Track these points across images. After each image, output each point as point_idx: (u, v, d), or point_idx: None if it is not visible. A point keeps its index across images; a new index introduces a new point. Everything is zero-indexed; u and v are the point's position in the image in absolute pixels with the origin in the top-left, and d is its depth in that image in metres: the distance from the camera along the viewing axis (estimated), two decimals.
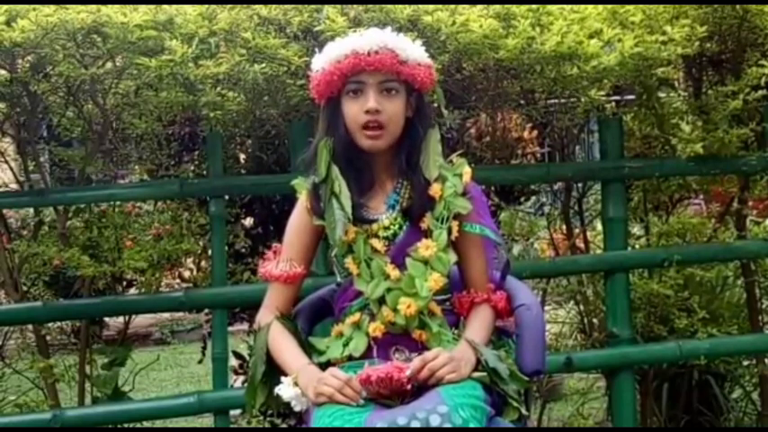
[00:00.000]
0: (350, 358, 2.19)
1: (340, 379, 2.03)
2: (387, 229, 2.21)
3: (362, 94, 2.16)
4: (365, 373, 2.04)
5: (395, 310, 2.14)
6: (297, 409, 2.13)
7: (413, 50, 2.20)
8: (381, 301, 2.17)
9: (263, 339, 2.23)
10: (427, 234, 2.19)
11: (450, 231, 2.18)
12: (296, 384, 2.11)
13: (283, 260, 2.27)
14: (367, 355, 2.17)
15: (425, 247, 2.16)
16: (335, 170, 2.19)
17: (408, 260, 2.17)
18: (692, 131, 3.29)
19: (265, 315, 2.28)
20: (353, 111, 2.17)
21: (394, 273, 2.16)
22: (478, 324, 2.21)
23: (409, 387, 2.04)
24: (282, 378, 2.14)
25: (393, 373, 2.02)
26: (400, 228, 2.21)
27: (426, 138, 2.22)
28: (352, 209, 2.16)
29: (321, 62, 2.20)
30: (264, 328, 2.24)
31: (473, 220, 2.22)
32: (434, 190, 2.19)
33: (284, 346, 2.21)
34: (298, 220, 2.28)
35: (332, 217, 2.17)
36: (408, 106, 2.21)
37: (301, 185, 2.28)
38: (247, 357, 3.89)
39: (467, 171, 2.23)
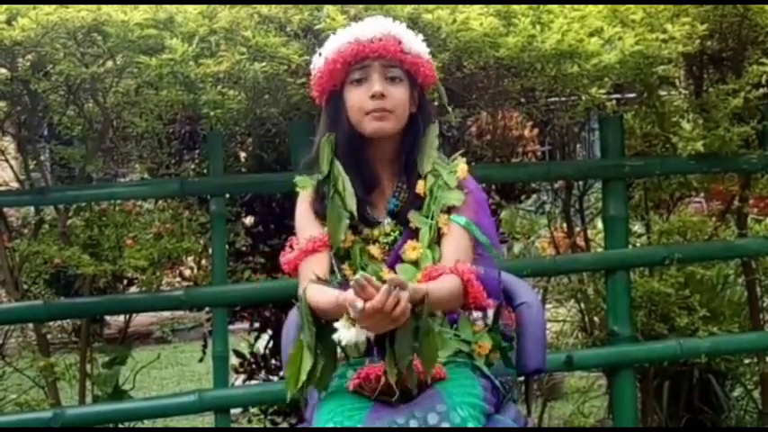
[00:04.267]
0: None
1: (351, 303, 1.83)
2: (387, 235, 2.17)
3: (366, 82, 2.11)
4: (364, 371, 2.04)
5: None
6: (362, 340, 1.93)
7: (416, 42, 2.17)
8: None
9: (305, 305, 2.03)
10: (417, 233, 2.15)
11: (437, 226, 2.12)
12: (353, 324, 1.89)
13: (303, 239, 2.15)
14: (367, 353, 2.15)
15: (412, 249, 2.12)
16: (338, 166, 2.14)
17: (398, 265, 2.12)
18: (692, 130, 3.29)
19: (301, 287, 2.09)
20: (358, 98, 2.12)
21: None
22: (436, 282, 2.01)
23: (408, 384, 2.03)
24: (335, 324, 1.92)
25: None
26: (400, 234, 2.18)
27: (426, 134, 2.19)
28: (357, 205, 2.12)
29: (322, 54, 2.15)
30: (303, 297, 2.05)
31: (463, 213, 2.15)
32: (419, 187, 2.15)
33: (324, 295, 2.01)
34: (304, 210, 2.20)
35: (333, 215, 2.13)
36: (411, 101, 2.17)
37: (305, 182, 2.21)
38: (247, 356, 3.90)
39: (462, 168, 2.18)
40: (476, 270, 2.08)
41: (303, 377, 2.03)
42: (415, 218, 2.15)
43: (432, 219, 2.14)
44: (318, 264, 2.13)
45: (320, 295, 2.03)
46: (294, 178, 2.27)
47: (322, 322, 2.02)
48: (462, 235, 2.16)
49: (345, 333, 1.90)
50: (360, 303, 1.81)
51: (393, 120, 2.12)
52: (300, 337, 2.08)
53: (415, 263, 2.12)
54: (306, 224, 2.20)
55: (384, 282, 1.84)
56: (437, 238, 2.14)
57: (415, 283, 1.99)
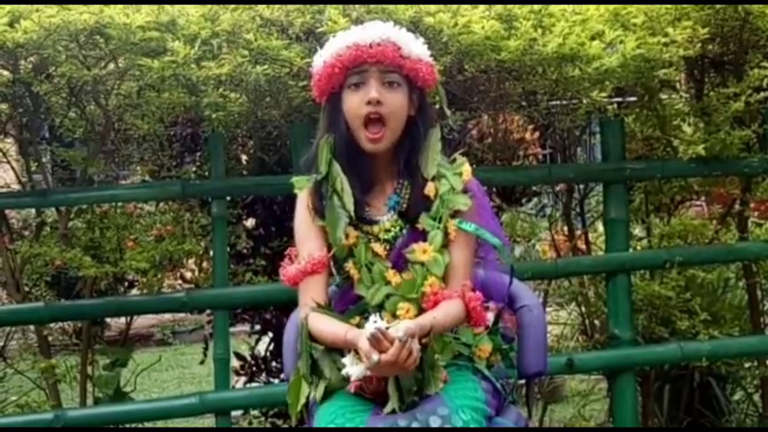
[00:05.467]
0: None
1: (367, 355, 1.93)
2: (388, 231, 2.18)
3: (364, 87, 2.13)
4: None
5: (394, 316, 2.11)
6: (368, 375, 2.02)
7: (415, 46, 2.18)
8: (380, 306, 2.14)
9: (305, 334, 2.13)
10: (425, 235, 2.15)
11: (446, 231, 2.15)
12: (359, 359, 1.99)
13: (302, 257, 2.19)
14: None
15: (422, 251, 2.13)
16: (337, 167, 2.16)
17: (409, 265, 2.14)
18: (693, 133, 3.29)
19: (302, 312, 2.18)
20: (355, 103, 2.13)
21: (395, 278, 2.14)
22: (441, 312, 2.08)
23: None
24: (343, 360, 2.04)
25: None
26: (401, 230, 2.18)
27: (427, 137, 2.20)
28: (355, 206, 2.14)
29: (322, 57, 2.17)
30: (304, 324, 2.14)
31: (470, 219, 2.17)
32: (429, 189, 2.16)
33: (326, 331, 2.10)
34: (303, 219, 2.23)
35: (332, 215, 2.14)
36: (411, 104, 2.18)
37: (302, 182, 2.23)
38: (248, 358, 3.90)
39: (466, 169, 2.19)
40: (480, 297, 2.14)
41: (302, 401, 2.14)
42: (424, 221, 2.16)
43: (440, 222, 2.15)
44: (317, 288, 2.17)
45: (324, 325, 2.11)
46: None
47: (320, 349, 2.12)
48: (468, 243, 2.19)
49: (353, 369, 2.00)
50: (375, 357, 1.90)
51: (388, 135, 2.14)
52: (298, 365, 2.16)
53: (422, 264, 2.13)
54: (305, 236, 2.22)
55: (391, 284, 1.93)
56: (445, 242, 2.15)
57: (426, 285, 2.09)
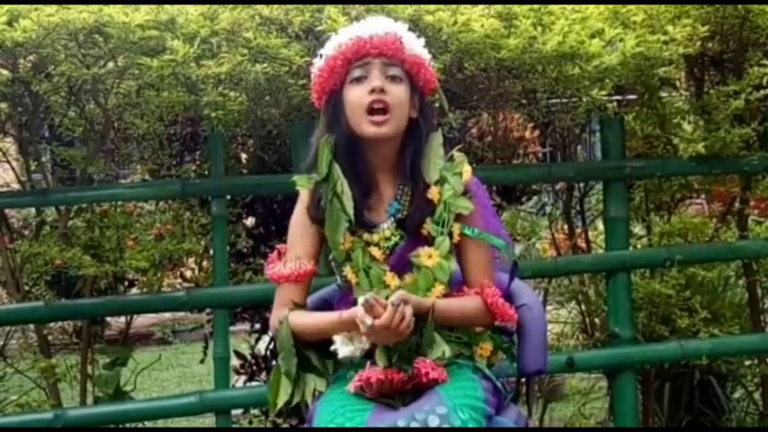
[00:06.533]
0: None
1: (361, 320, 1.96)
2: (387, 240, 2.15)
3: (366, 80, 2.11)
4: (365, 374, 2.04)
5: None
6: (357, 355, 2.07)
7: (417, 45, 2.17)
8: None
9: (286, 332, 2.13)
10: (429, 240, 2.14)
11: (451, 235, 2.13)
12: (350, 340, 2.05)
13: (291, 259, 2.19)
14: (368, 355, 2.15)
15: (428, 256, 2.11)
16: (337, 169, 2.13)
17: (414, 269, 2.13)
18: (693, 131, 3.29)
19: (279, 313, 2.18)
20: (357, 95, 2.11)
21: (393, 281, 2.12)
22: (455, 301, 2.12)
23: (409, 387, 2.04)
24: (334, 338, 2.06)
25: (393, 375, 2.02)
26: (401, 238, 2.16)
27: (428, 141, 2.18)
28: (354, 210, 2.12)
29: (323, 53, 2.16)
30: (284, 322, 2.14)
31: (472, 223, 2.16)
32: (432, 193, 2.14)
33: (315, 320, 2.13)
34: (300, 219, 2.21)
35: (332, 218, 2.12)
36: (412, 106, 2.16)
37: (303, 181, 2.20)
38: (248, 357, 3.90)
39: (466, 169, 2.17)
40: (498, 292, 2.14)
41: (284, 398, 2.14)
42: (429, 226, 2.14)
43: (445, 227, 2.13)
44: (297, 292, 2.20)
45: (309, 318, 2.15)
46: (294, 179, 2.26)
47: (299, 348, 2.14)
48: (478, 248, 2.18)
49: (343, 348, 2.05)
50: (369, 320, 1.94)
51: (392, 122, 2.11)
52: (279, 362, 2.15)
53: (427, 269, 2.12)
54: (297, 239, 2.21)
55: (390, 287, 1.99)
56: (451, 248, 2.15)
57: (434, 293, 2.09)
